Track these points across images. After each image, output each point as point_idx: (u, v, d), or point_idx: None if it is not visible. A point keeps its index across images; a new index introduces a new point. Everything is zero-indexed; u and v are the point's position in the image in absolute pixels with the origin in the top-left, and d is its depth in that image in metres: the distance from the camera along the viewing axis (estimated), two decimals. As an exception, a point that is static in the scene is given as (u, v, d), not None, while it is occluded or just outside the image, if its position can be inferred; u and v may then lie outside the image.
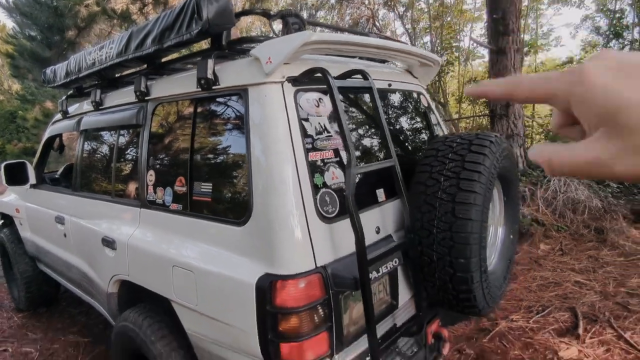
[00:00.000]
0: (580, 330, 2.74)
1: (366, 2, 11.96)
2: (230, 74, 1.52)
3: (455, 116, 10.10)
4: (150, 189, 1.83)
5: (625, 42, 8.60)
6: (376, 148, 1.70)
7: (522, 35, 10.27)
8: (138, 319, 1.81)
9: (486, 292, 1.57)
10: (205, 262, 1.47)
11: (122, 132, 2.14)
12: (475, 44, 9.22)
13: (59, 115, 2.86)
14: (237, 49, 1.65)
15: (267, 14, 1.61)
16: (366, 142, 1.70)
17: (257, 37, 1.59)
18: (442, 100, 9.90)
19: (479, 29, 11.90)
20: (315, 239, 1.32)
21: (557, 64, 10.38)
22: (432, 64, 2.17)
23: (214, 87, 1.54)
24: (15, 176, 3.00)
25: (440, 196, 1.50)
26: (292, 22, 1.61)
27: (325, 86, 1.42)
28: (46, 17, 8.43)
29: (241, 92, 1.47)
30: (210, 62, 1.52)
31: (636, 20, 8.58)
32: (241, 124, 1.46)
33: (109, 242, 1.98)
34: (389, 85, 1.94)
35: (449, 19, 11.18)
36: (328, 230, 1.37)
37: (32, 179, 3.03)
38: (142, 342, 1.74)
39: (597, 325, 2.80)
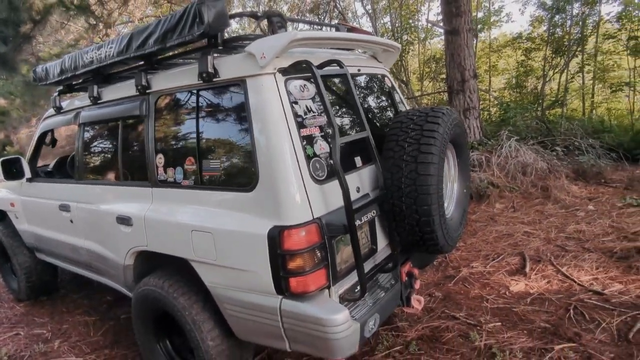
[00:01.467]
0: (527, 269, 3.28)
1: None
2: (228, 67, 1.82)
3: (417, 93, 10.60)
4: (161, 169, 2.12)
5: (567, 17, 9.28)
6: (352, 123, 2.07)
7: (475, 14, 10.83)
8: (159, 281, 2.11)
9: (445, 232, 2.00)
10: (222, 223, 1.80)
11: (125, 123, 2.38)
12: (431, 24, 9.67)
13: (51, 111, 3.03)
14: (231, 45, 1.94)
15: (255, 15, 1.92)
16: (344, 119, 2.06)
17: (248, 36, 1.89)
18: (404, 78, 10.36)
19: (436, 8, 12.38)
20: (311, 196, 1.68)
21: (507, 39, 11.02)
22: (393, 50, 2.54)
23: (214, 79, 1.84)
24: (11, 171, 3.16)
25: (405, 159, 1.89)
26: (276, 21, 1.92)
27: (308, 74, 1.76)
28: (0, 12, 8.12)
29: (240, 83, 1.78)
30: (210, 58, 1.82)
31: (577, -5, 9.26)
32: (242, 109, 1.78)
33: (124, 220, 2.26)
34: (358, 70, 2.30)
35: (407, -2, 11.56)
36: (320, 190, 1.73)
37: (28, 173, 3.19)
38: (166, 300, 2.05)
39: (541, 264, 3.36)
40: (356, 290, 1.84)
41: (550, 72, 9.57)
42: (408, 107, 2.71)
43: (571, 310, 2.68)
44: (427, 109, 2.06)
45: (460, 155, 2.35)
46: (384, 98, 2.54)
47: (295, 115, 1.75)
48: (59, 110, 2.93)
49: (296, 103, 1.78)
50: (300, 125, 1.75)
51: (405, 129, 1.97)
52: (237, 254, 1.76)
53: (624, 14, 8.32)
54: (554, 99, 9.49)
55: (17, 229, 3.54)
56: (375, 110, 2.44)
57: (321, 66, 1.86)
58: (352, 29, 2.61)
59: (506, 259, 3.54)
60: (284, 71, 1.76)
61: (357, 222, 1.81)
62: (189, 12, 1.77)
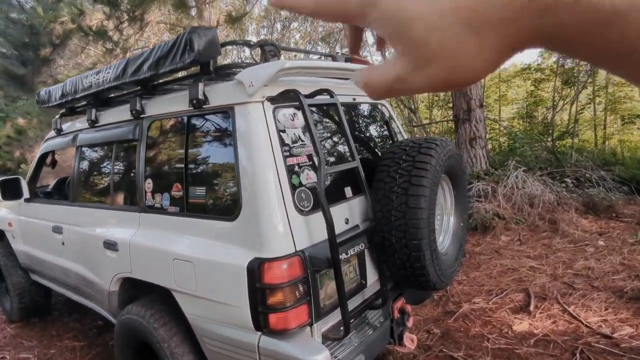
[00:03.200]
0: (532, 307, 3.12)
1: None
2: (218, 95, 1.82)
3: (426, 121, 10.60)
4: (149, 195, 2.10)
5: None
6: (342, 153, 2.02)
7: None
8: (141, 310, 2.05)
9: (437, 269, 1.90)
10: (203, 252, 1.75)
11: (119, 146, 2.39)
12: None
13: (52, 133, 3.07)
14: (223, 73, 1.94)
15: (248, 44, 1.92)
16: (334, 148, 2.02)
17: (239, 64, 1.89)
18: (412, 107, 10.39)
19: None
20: (294, 228, 1.62)
21: (517, 70, 11.05)
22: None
23: (204, 106, 1.84)
24: (10, 191, 3.17)
25: (395, 190, 1.83)
26: (268, 49, 1.92)
27: (297, 102, 1.73)
28: (20, 35, 8.48)
29: (228, 110, 1.76)
30: (201, 85, 1.82)
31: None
32: (229, 136, 1.76)
33: (110, 245, 2.22)
34: (354, 99, 2.28)
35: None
36: (304, 221, 1.67)
37: (26, 193, 3.21)
38: (146, 330, 1.98)
39: (547, 302, 3.20)
40: (341, 329, 1.74)
41: (560, 103, 9.51)
42: (405, 136, 2.67)
43: (577, 355, 2.51)
44: (421, 139, 2.02)
45: (457, 188, 2.28)
46: (380, 128, 2.50)
47: (282, 143, 1.72)
48: (59, 132, 2.97)
49: (284, 132, 1.75)
50: (287, 154, 1.72)
51: (397, 159, 1.92)
52: (217, 286, 1.70)
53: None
54: (564, 129, 9.38)
55: (13, 249, 3.53)
56: (371, 140, 2.40)
57: (311, 95, 1.84)
58: (353, 59, 2.61)
59: (510, 295, 3.39)
60: (272, 99, 1.74)
61: (345, 255, 1.74)
62: (181, 40, 1.78)
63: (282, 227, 1.60)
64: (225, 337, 1.72)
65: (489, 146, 9.13)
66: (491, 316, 3.12)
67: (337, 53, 2.55)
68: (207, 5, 10.70)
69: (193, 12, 11.08)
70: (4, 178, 3.17)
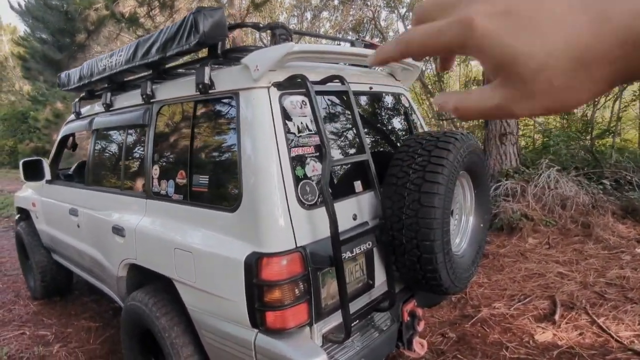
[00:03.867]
0: (557, 317, 2.92)
1: (368, 4, 12.13)
2: (224, 79, 1.74)
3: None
4: (155, 181, 2.06)
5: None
6: (353, 144, 1.91)
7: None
8: (144, 298, 2.03)
9: (451, 272, 1.77)
10: (202, 243, 1.69)
11: (130, 131, 2.36)
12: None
13: (72, 116, 3.10)
14: (232, 57, 1.86)
15: (257, 27, 1.83)
16: (344, 139, 1.90)
17: (248, 47, 1.80)
18: (442, 99, 10.04)
19: (481, 29, 11.99)
20: (295, 223, 1.53)
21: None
22: (412, 68, 2.37)
23: (210, 91, 1.76)
24: (32, 172, 3.25)
25: (408, 187, 1.70)
26: (279, 33, 1.82)
27: (304, 90, 1.63)
28: (57, 21, 8.75)
29: (233, 96, 1.68)
30: (207, 69, 1.74)
31: None
32: (233, 123, 1.68)
33: (118, 230, 2.21)
34: (370, 88, 2.14)
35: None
36: (308, 215, 1.58)
37: (48, 175, 3.27)
38: (148, 318, 1.96)
39: (574, 312, 2.98)
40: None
41: (603, 99, 8.92)
42: (425, 129, 2.52)
43: (605, 372, 2.32)
44: (440, 132, 1.87)
45: (478, 186, 2.12)
46: (398, 118, 2.36)
47: (288, 132, 1.62)
48: (78, 115, 2.99)
49: (290, 120, 1.66)
50: (292, 144, 1.62)
51: (412, 153, 1.79)
52: (215, 279, 1.64)
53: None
54: (605, 127, 8.80)
55: (36, 229, 3.63)
56: (388, 132, 2.26)
57: (323, 82, 1.73)
58: (371, 46, 2.47)
59: (534, 302, 3.18)
60: (279, 85, 1.64)
61: (350, 254, 1.64)
62: (187, 21, 1.71)
63: (282, 221, 1.51)
64: (222, 331, 1.66)
65: (522, 143, 8.71)
66: (512, 323, 2.94)
67: (357, 39, 2.42)
68: (237, -7, 10.67)
69: (224, 0, 11.10)
70: (26, 159, 3.24)
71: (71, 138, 3.33)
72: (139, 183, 2.22)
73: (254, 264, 1.48)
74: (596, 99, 8.81)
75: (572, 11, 0.25)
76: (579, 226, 4.48)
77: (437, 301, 2.45)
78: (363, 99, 2.15)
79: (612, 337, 2.64)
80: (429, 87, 10.46)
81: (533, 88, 0.27)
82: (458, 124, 9.28)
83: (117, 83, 2.50)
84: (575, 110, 9.73)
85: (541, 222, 4.54)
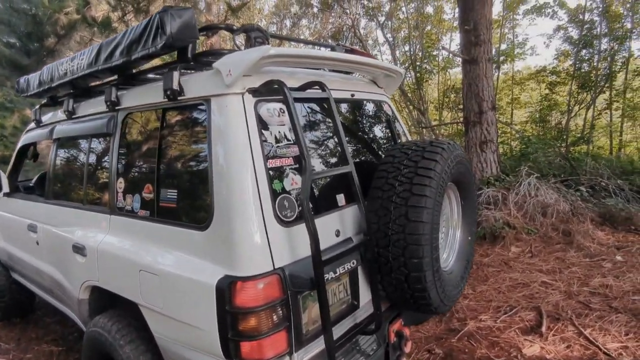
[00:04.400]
0: (544, 329, 2.86)
1: (348, 12, 12.18)
2: (194, 85, 1.59)
3: (435, 123, 10.31)
4: (120, 196, 1.88)
5: (594, 52, 8.93)
6: (335, 155, 1.79)
7: (499, 45, 10.60)
8: (107, 324, 1.84)
9: (440, 291, 1.66)
10: (170, 265, 1.53)
11: (93, 140, 2.18)
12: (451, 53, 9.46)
13: (32, 124, 2.88)
14: (203, 61, 1.72)
15: (230, 29, 1.69)
16: (326, 149, 1.78)
17: (221, 51, 1.66)
18: (422, 108, 10.11)
19: (458, 39, 12.21)
20: (273, 242, 1.39)
21: (531, 72, 10.71)
22: (395, 75, 2.28)
23: (179, 98, 1.61)
24: (-12, 185, 3.00)
25: (394, 200, 1.59)
26: (255, 36, 1.69)
27: (282, 97, 1.50)
28: (25, 25, 8.36)
29: (204, 103, 1.54)
30: (176, 74, 1.60)
31: (606, 30, 8.95)
32: (204, 132, 1.53)
33: (79, 249, 2.01)
34: (352, 95, 2.04)
35: (429, 27, 11.46)
36: (287, 233, 1.44)
37: (5, 188, 3.03)
38: (111, 346, 1.77)
39: (560, 323, 2.93)
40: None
41: (576, 108, 9.15)
42: (409, 138, 2.43)
43: (595, 387, 2.25)
44: (426, 142, 1.77)
45: (464, 198, 2.03)
46: (381, 127, 2.26)
47: (264, 142, 1.49)
48: (38, 123, 2.77)
49: (267, 129, 1.52)
50: (269, 155, 1.49)
51: (398, 164, 1.68)
52: (184, 305, 1.48)
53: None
54: (579, 135, 9.02)
55: (-6, 245, 3.35)
56: (371, 142, 2.16)
57: (302, 88, 1.61)
58: (352, 51, 2.37)
59: (520, 314, 3.12)
60: (254, 92, 1.51)
61: (334, 274, 1.51)
62: (153, 21, 1.56)
63: (258, 240, 1.37)
64: (193, 362, 1.50)
65: (500, 150, 8.82)
66: (499, 336, 2.86)
67: (337, 44, 2.31)
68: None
69: (202, 5, 10.90)
70: (-19, 171, 2.99)
71: (32, 147, 3.09)
72: (103, 197, 2.03)
73: (226, 289, 1.33)
74: (570, 107, 9.04)
75: None
76: (560, 234, 4.49)
77: (425, 319, 2.34)
78: (344, 107, 2.04)
79: (600, 349, 2.59)
80: (409, 94, 10.52)
81: None
82: (438, 131, 9.34)
83: (79, 89, 2.31)
84: (549, 118, 9.97)
85: (523, 230, 4.53)
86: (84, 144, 2.26)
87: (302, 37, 16.13)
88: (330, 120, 1.76)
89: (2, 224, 3.12)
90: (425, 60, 10.20)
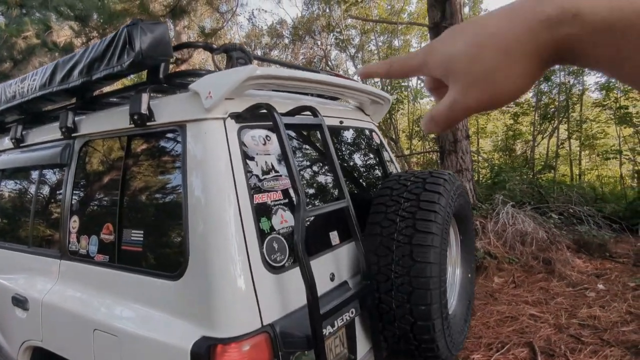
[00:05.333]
0: (540, 367, 2.71)
1: (319, 43, 12.38)
2: (166, 109, 1.38)
3: (407, 152, 10.42)
4: (74, 237, 1.60)
5: (553, 85, 9.43)
6: (328, 188, 1.60)
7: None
8: (52, 395, 1.51)
9: (449, 339, 1.47)
10: (132, 324, 1.26)
11: (44, 172, 1.89)
12: (422, 83, 9.70)
13: (-26, 153, 2.53)
14: (177, 82, 1.52)
15: (209, 48, 1.51)
16: (318, 181, 1.60)
17: (198, 71, 1.47)
18: (393, 136, 10.21)
19: (425, 71, 12.59)
20: (260, 292, 1.16)
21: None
22: (382, 102, 2.16)
23: (148, 123, 1.39)
24: None
25: (396, 238, 1.41)
26: (236, 56, 1.52)
27: (272, 123, 1.32)
28: (-22, 49, 7.87)
29: (178, 129, 1.33)
30: (145, 96, 1.38)
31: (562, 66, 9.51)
32: (178, 163, 1.31)
33: (19, 301, 1.68)
34: (341, 122, 1.89)
35: (397, 60, 11.78)
36: (276, 281, 1.22)
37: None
38: None
39: (555, 360, 2.79)
40: None
41: (539, 137, 9.53)
42: (398, 168, 2.29)
43: None
44: (425, 172, 1.62)
45: (464, 232, 1.89)
46: (370, 156, 2.11)
47: (249, 174, 1.28)
48: (-19, 152, 2.43)
49: (252, 159, 1.32)
50: (255, 189, 1.28)
51: (397, 197, 1.52)
52: (149, 374, 1.20)
53: (607, 85, 8.42)
54: (543, 163, 9.36)
55: None
56: (360, 171, 1.99)
57: (291, 113, 1.43)
58: (337, 76, 2.25)
59: (512, 351, 2.96)
60: (237, 117, 1.32)
61: (332, 327, 1.29)
62: (119, 36, 1.36)
63: (243, 290, 1.14)
64: None
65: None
66: (494, 378, 2.68)
67: (321, 69, 2.18)
68: (185, 29, 10.40)
69: (171, 33, 10.74)
70: None
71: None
72: (53, 238, 1.74)
73: (203, 355, 1.08)
74: (534, 136, 9.40)
75: (495, 16, 0.32)
76: (541, 262, 4.45)
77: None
78: (333, 135, 1.88)
79: (600, 388, 2.45)
80: (380, 123, 10.64)
81: (472, 78, 0.33)
82: (413, 160, 9.41)
83: (30, 114, 2.04)
84: (515, 147, 10.32)
85: (504, 259, 4.46)
86: (33, 175, 1.97)
87: (272, 67, 16.26)
88: (322, 149, 1.58)
89: None
90: (397, 91, 10.41)
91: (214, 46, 1.51)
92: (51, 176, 1.86)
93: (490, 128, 11.68)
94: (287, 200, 1.36)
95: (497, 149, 10.78)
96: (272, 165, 1.38)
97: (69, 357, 1.46)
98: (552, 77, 9.36)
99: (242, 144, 1.31)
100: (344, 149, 1.98)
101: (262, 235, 1.23)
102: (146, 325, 1.23)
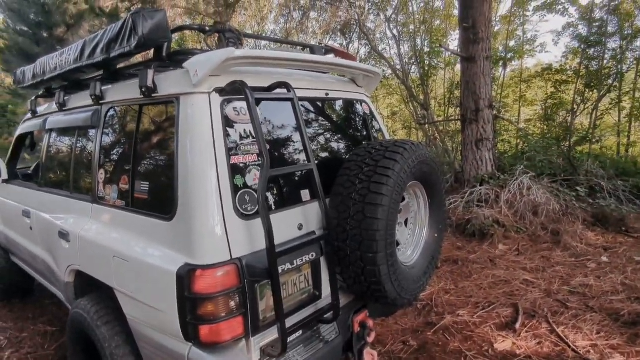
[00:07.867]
0: (518, 325, 2.93)
1: (356, 4, 12.11)
2: (166, 83, 1.68)
3: (439, 119, 10.27)
4: (101, 186, 1.99)
5: (603, 50, 8.79)
6: (299, 153, 1.86)
7: (506, 42, 10.49)
8: (87, 306, 1.96)
9: (396, 284, 1.74)
10: (139, 252, 1.64)
11: (80, 132, 2.29)
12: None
13: (28, 114, 3.00)
14: (178, 59, 1.80)
15: (202, 29, 1.77)
16: (290, 147, 1.86)
17: (193, 50, 1.75)
18: (425, 103, 10.07)
19: (466, 34, 12.04)
20: (232, 233, 1.48)
21: (536, 70, 10.57)
22: (372, 75, 2.34)
23: (153, 95, 1.70)
24: (-12, 171, 3.14)
25: (353, 197, 1.67)
26: (228, 37, 1.77)
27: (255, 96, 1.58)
28: (34, 14, 8.53)
29: (175, 100, 1.63)
30: (150, 72, 1.68)
31: (616, 28, 8.79)
32: (174, 128, 1.62)
33: (64, 235, 2.13)
34: (326, 94, 2.11)
35: (437, 22, 11.36)
36: (246, 226, 1.53)
37: (4, 175, 3.17)
38: (89, 327, 1.89)
39: (535, 321, 2.99)
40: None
41: (582, 107, 9.04)
42: (387, 136, 2.49)
43: (558, 382, 2.32)
44: (390, 142, 1.84)
45: (432, 197, 2.10)
46: (357, 126, 2.33)
47: (228, 139, 1.57)
48: (34, 114, 2.90)
49: (232, 127, 1.61)
50: (233, 152, 1.57)
51: (361, 163, 1.76)
52: (150, 290, 1.59)
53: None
54: (583, 134, 8.91)
55: (-6, 229, 3.52)
56: (342, 140, 2.23)
57: (269, 89, 1.68)
58: (333, 51, 2.44)
59: (497, 310, 3.19)
60: (221, 91, 1.60)
61: (291, 265, 1.60)
62: (127, 22, 1.65)
63: (218, 231, 1.46)
64: (159, 343, 1.61)
65: (503, 148, 8.78)
66: (473, 331, 2.94)
67: (319, 44, 2.38)
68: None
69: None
70: (-19, 158, 3.14)
71: (29, 137, 3.22)
72: (87, 187, 2.15)
73: (186, 276, 1.43)
74: (575, 106, 8.93)
75: None
76: (549, 233, 4.52)
77: (391, 311, 2.43)
78: (319, 106, 2.11)
79: (569, 347, 2.65)
80: (413, 90, 10.48)
81: None
82: (442, 127, 9.32)
83: (70, 82, 2.42)
84: (556, 117, 9.86)
85: (512, 228, 4.57)
86: (72, 135, 2.38)
87: (310, 29, 16.10)
88: (294, 119, 1.83)
89: (1, 209, 3.27)
90: (431, 56, 10.14)
91: (207, 28, 1.77)
92: (85, 136, 2.26)
93: (532, 96, 11.14)
94: (260, 162, 1.64)
95: (536, 118, 10.33)
96: (250, 133, 1.65)
97: (99, 278, 1.88)
98: (603, 40, 8.72)
99: (224, 114, 1.59)
100: (330, 118, 2.21)
101: (235, 189, 1.53)
102: (148, 253, 1.60)
